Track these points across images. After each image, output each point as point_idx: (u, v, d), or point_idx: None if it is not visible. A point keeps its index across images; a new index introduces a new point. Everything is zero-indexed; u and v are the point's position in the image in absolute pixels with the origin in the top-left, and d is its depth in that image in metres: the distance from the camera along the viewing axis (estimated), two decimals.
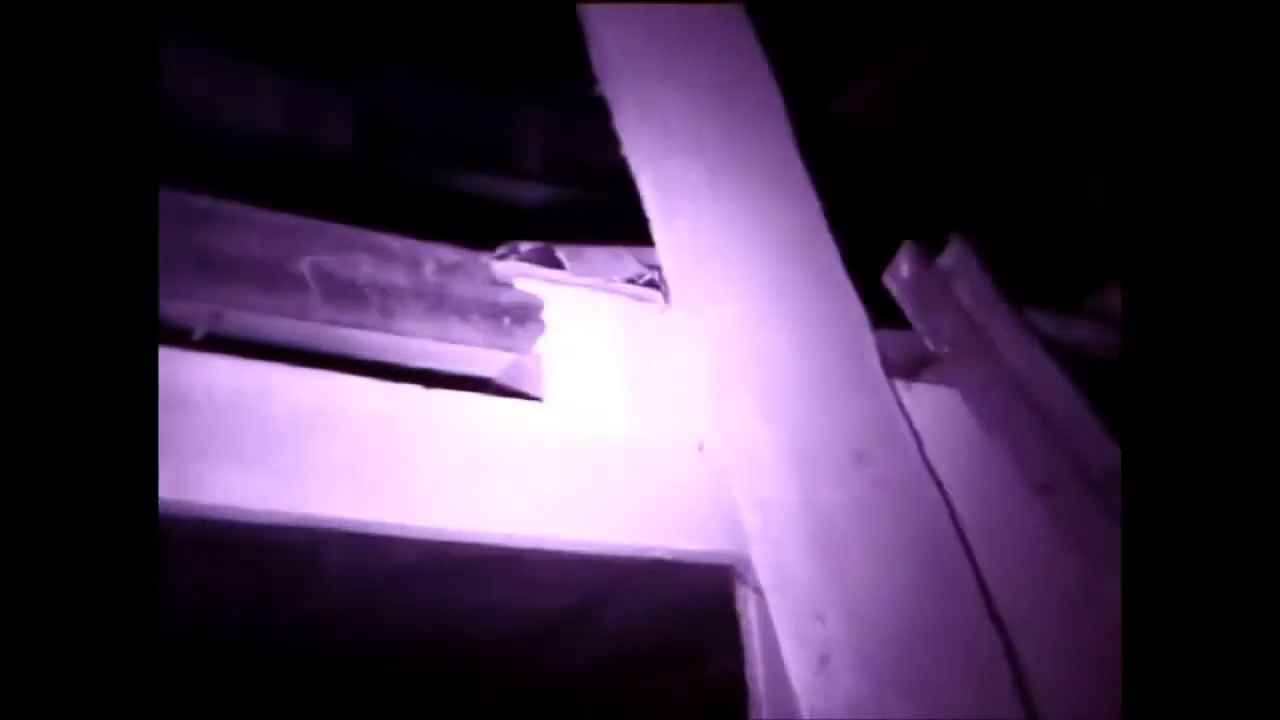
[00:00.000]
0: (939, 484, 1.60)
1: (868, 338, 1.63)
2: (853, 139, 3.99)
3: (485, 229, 3.38)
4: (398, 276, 1.40)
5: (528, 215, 3.63)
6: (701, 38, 1.73)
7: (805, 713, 1.38)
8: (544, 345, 1.47)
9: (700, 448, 1.51)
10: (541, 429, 1.41)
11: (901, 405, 1.63)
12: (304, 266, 1.33)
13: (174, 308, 1.27)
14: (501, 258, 1.47)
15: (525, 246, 1.49)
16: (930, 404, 1.69)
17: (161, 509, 1.20)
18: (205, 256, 1.29)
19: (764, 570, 1.43)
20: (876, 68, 4.02)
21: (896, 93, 4.04)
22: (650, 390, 1.51)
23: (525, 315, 1.47)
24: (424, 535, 1.34)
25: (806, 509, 1.48)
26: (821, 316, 1.61)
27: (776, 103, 1.71)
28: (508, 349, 1.46)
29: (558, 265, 1.50)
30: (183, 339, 1.27)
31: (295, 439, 1.28)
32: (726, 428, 1.49)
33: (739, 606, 1.54)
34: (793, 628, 1.40)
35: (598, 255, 1.53)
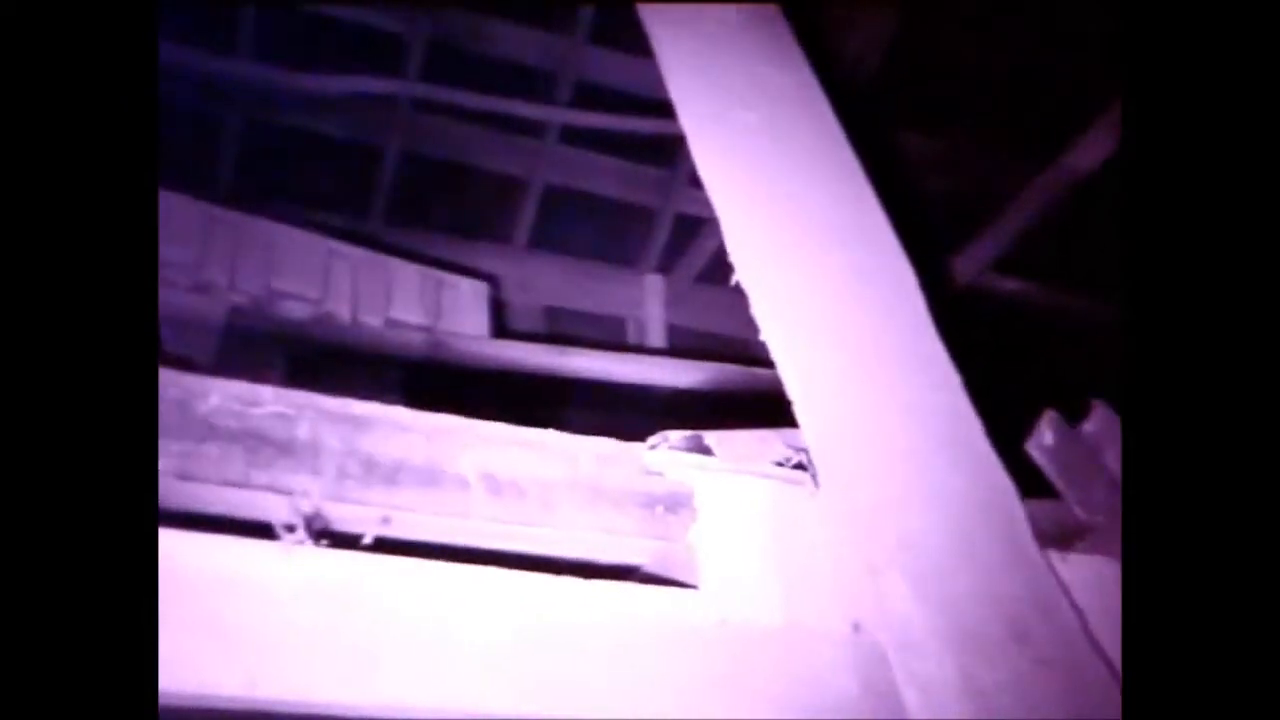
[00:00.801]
0: (1104, 659, 1.56)
1: (1018, 510, 1.62)
2: (976, 302, 4.02)
3: (615, 407, 3.45)
4: (555, 471, 1.44)
5: (655, 394, 3.70)
6: (836, 223, 1.79)
7: None
8: (697, 532, 1.48)
9: (856, 628, 1.50)
10: (698, 616, 1.42)
11: (1058, 578, 1.60)
12: (466, 466, 1.38)
13: (344, 513, 1.32)
14: (653, 448, 1.51)
15: (675, 435, 1.52)
16: (1087, 575, 1.65)
17: (331, 711, 1.24)
18: (371, 462, 1.35)
19: None
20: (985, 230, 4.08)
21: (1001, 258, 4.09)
22: (804, 573, 1.51)
23: (678, 503, 1.49)
24: None
25: (967, 690, 1.45)
26: (969, 492, 1.61)
27: (912, 283, 1.74)
28: (661, 537, 1.48)
29: (707, 452, 1.53)
30: (353, 544, 1.32)
31: (454, 633, 1.30)
32: (882, 608, 1.48)
33: None
34: None
35: (745, 440, 1.56)
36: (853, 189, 1.85)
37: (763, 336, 1.67)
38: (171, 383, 1.28)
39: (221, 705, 1.15)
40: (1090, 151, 3.60)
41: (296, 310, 3.11)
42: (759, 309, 1.67)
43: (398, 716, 1.31)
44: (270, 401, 1.33)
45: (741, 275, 1.71)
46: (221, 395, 1.31)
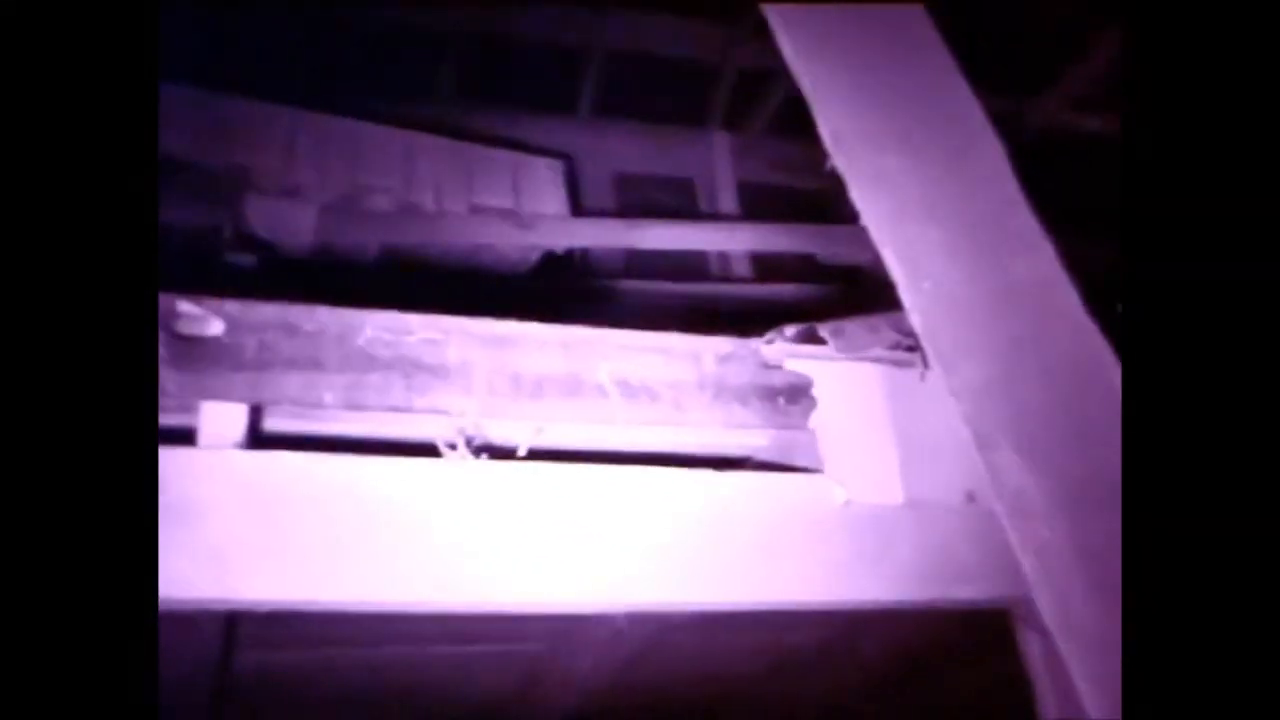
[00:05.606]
0: None
1: (1118, 380, 1.69)
2: (1055, 145, 4.00)
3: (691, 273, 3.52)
4: (683, 372, 1.53)
5: None
6: (922, 100, 1.82)
7: None
8: (817, 419, 1.58)
9: (970, 499, 1.60)
10: (825, 499, 1.53)
11: None
12: (603, 375, 1.47)
13: (498, 429, 1.43)
14: (769, 342, 1.59)
15: (790, 329, 1.60)
16: None
17: (505, 609, 1.37)
18: (518, 376, 1.45)
19: (1049, 613, 1.51)
20: (1073, 67, 4.01)
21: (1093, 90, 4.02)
22: (920, 450, 1.60)
23: (797, 393, 1.58)
24: (737, 607, 1.47)
25: (1079, 552, 1.55)
26: (1071, 363, 1.68)
27: (1002, 158, 1.78)
28: (785, 426, 1.57)
29: (821, 343, 1.61)
30: (509, 455, 1.42)
31: (617, 530, 1.42)
32: (996, 480, 1.57)
33: (1022, 647, 1.62)
34: (1087, 669, 1.47)
35: (856, 329, 1.63)
36: (937, 60, 1.87)
37: (863, 220, 1.73)
38: (332, 318, 1.38)
39: (423, 609, 1.29)
40: None
41: (383, 203, 3.19)
42: (857, 193, 1.72)
43: (570, 610, 1.44)
44: (419, 329, 1.42)
45: (838, 160, 1.76)
46: (374, 326, 1.41)
